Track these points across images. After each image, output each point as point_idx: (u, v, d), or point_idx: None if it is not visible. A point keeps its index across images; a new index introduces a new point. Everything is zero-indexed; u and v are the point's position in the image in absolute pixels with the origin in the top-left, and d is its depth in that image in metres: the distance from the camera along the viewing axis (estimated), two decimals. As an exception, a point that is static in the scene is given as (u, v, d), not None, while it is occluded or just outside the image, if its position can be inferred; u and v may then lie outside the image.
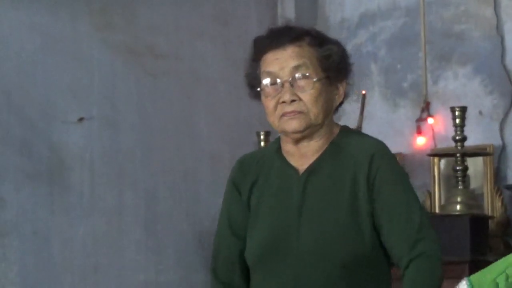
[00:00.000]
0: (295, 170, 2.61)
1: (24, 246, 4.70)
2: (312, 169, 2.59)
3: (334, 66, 2.59)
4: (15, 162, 4.71)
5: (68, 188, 4.86)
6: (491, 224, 4.77)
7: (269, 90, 2.56)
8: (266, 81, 2.57)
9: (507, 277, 2.26)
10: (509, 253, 3.88)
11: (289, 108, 2.53)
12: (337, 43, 2.64)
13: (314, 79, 2.53)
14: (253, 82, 2.62)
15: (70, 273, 4.83)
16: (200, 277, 5.12)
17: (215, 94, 5.40)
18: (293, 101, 2.53)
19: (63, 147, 4.88)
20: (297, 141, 2.59)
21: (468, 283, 2.27)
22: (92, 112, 4.96)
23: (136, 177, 5.12)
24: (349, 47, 5.09)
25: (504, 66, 5.03)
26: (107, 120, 5.03)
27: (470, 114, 4.77)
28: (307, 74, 2.55)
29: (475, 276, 2.29)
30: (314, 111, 2.55)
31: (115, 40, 5.08)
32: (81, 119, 4.92)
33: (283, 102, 2.54)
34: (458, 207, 4.70)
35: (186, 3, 5.38)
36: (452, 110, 4.70)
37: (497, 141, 5.01)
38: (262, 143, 4.99)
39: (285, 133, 2.59)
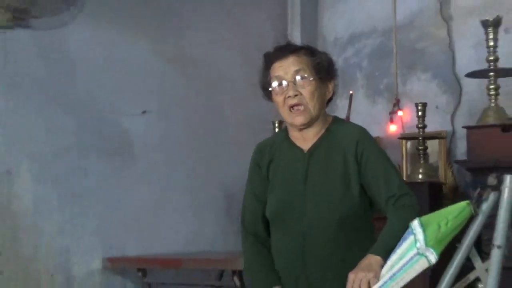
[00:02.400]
0: (300, 150, 2.77)
1: (101, 206, 4.87)
2: (313, 149, 2.75)
3: (324, 70, 2.73)
4: (96, 143, 4.87)
5: (134, 163, 5.06)
6: (444, 188, 4.97)
7: (278, 89, 2.70)
8: (275, 83, 2.71)
9: (447, 222, 2.41)
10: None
11: (293, 100, 2.68)
12: (325, 54, 2.79)
13: (310, 79, 2.68)
14: (265, 85, 2.77)
15: (136, 226, 5.03)
16: (229, 229, 5.34)
17: (239, 92, 5.50)
18: (295, 95, 2.67)
19: (130, 133, 5.06)
20: (300, 129, 2.75)
21: (418, 222, 2.42)
22: (151, 107, 5.16)
23: (182, 156, 5.30)
24: (340, 60, 5.45)
25: (454, 73, 5.25)
26: (162, 113, 5.21)
27: (429, 108, 4.91)
28: (305, 76, 2.68)
29: (424, 218, 2.44)
30: (311, 103, 2.69)
31: (165, 51, 5.25)
32: (143, 112, 5.12)
33: (289, 96, 2.68)
34: (420, 176, 4.87)
35: (218, 24, 5.53)
36: (416, 105, 4.88)
37: (449, 128, 5.23)
38: (276, 129, 5.10)
39: (293, 124, 2.75)
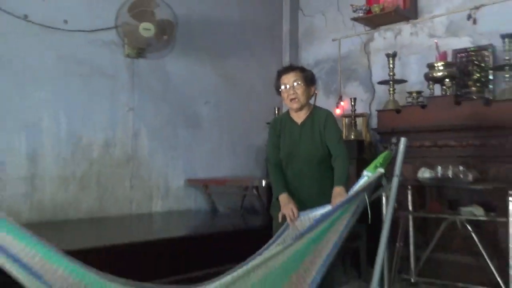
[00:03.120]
0: (296, 123, 2.68)
1: (185, 152, 4.68)
2: (303, 123, 2.66)
3: (309, 80, 2.63)
4: (181, 120, 4.69)
5: (202, 130, 4.85)
6: (365, 143, 4.72)
7: (284, 90, 2.62)
8: (282, 87, 2.62)
9: (380, 163, 2.29)
10: (374, 156, 3.52)
11: (292, 96, 2.59)
12: (310, 71, 2.68)
13: (302, 85, 2.59)
14: (277, 87, 2.67)
15: (202, 162, 4.80)
16: (251, 165, 5.16)
17: (256, 93, 5.24)
18: (293, 93, 2.59)
19: (199, 114, 4.84)
20: (296, 111, 2.66)
21: (365, 169, 2.31)
22: (210, 100, 4.92)
23: (228, 128, 5.04)
24: (310, 76, 5.12)
25: (371, 82, 5.00)
26: (216, 104, 4.96)
27: (358, 101, 4.80)
28: (299, 83, 2.59)
29: (367, 167, 2.31)
30: (302, 98, 2.60)
31: (218, 71, 4.97)
32: (206, 103, 4.88)
33: (290, 94, 2.60)
34: (352, 137, 4.70)
35: (245, 56, 5.21)
36: (351, 99, 4.73)
37: (368, 111, 4.98)
38: (276, 113, 4.92)
39: (292, 108, 2.66)
